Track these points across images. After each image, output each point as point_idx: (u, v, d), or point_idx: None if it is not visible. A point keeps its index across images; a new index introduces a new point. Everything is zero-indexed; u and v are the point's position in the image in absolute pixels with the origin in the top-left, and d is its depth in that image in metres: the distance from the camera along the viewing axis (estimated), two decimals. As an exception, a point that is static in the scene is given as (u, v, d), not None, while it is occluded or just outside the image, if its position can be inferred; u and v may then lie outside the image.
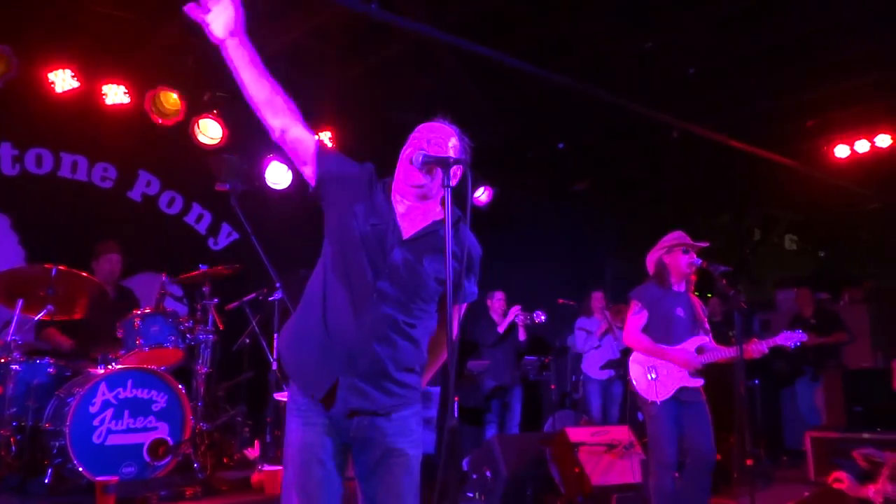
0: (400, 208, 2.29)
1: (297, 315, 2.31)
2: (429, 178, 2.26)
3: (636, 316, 4.26)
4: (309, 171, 2.32)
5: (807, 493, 3.11)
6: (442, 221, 2.23)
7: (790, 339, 4.04)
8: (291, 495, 2.17)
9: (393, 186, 2.32)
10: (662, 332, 4.20)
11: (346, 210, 2.23)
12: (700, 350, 4.20)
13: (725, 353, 4.13)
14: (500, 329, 6.85)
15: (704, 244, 4.18)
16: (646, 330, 4.24)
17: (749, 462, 3.57)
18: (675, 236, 4.28)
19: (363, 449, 2.23)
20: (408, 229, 2.27)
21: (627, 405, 6.92)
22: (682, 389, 4.11)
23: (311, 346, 2.19)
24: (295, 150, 2.33)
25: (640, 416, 6.65)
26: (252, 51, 2.41)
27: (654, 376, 4.14)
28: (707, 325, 4.32)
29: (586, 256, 8.92)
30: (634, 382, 4.25)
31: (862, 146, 7.36)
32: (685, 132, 6.90)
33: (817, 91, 6.60)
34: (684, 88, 6.47)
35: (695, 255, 4.21)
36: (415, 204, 2.30)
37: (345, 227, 2.21)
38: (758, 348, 4.04)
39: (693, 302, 4.33)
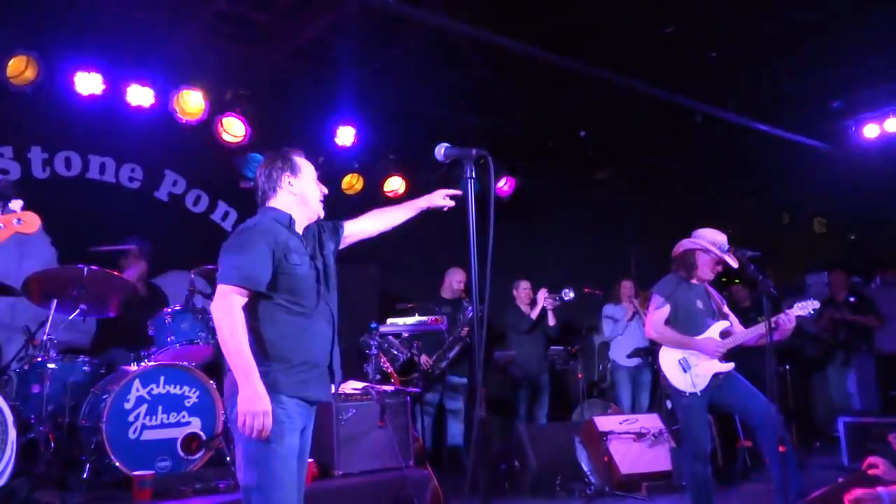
0: (300, 229, 2.74)
1: (275, 352, 2.56)
2: None
3: (659, 310, 4.31)
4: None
5: (841, 479, 3.07)
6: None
7: (804, 308, 4.06)
8: (290, 494, 2.51)
9: (296, 217, 2.73)
10: (685, 323, 4.25)
11: (289, 265, 2.60)
12: (724, 334, 4.23)
13: (751, 332, 4.17)
14: (533, 315, 6.84)
15: (734, 265, 4.20)
16: (669, 323, 4.29)
17: (781, 448, 3.53)
18: (718, 242, 4.28)
19: (306, 428, 2.68)
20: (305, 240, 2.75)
21: (657, 393, 6.89)
22: (715, 376, 4.13)
23: (314, 366, 2.62)
24: None
25: (668, 403, 6.62)
26: None
27: (687, 368, 4.15)
28: (726, 311, 4.38)
29: (610, 244, 8.85)
30: (667, 375, 4.25)
31: (892, 125, 7.21)
32: (709, 116, 6.81)
33: (843, 70, 6.47)
34: (707, 72, 6.39)
35: (720, 268, 4.30)
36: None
37: (295, 275, 2.61)
38: (787, 320, 4.03)
39: (710, 292, 4.40)
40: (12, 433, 3.68)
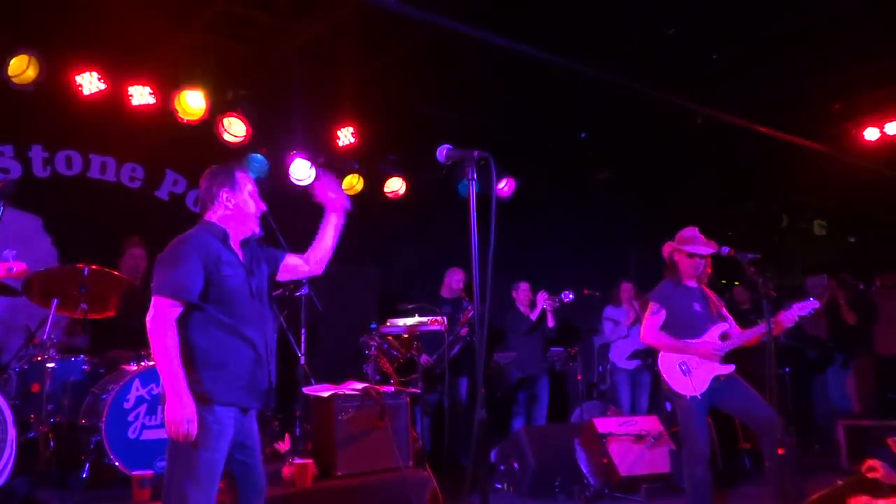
0: (235, 243, 2.87)
1: (206, 361, 2.69)
2: None
3: (655, 315, 4.32)
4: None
5: (839, 482, 3.06)
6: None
7: (804, 308, 4.07)
8: (209, 496, 2.63)
9: (231, 231, 2.85)
10: (684, 327, 4.26)
11: (220, 277, 2.73)
12: (724, 336, 4.24)
13: (750, 334, 4.19)
14: (533, 317, 6.85)
15: (707, 250, 4.25)
16: (667, 328, 4.30)
17: (780, 451, 3.53)
18: (688, 237, 4.35)
19: (248, 435, 2.84)
20: (242, 255, 2.88)
21: (657, 395, 6.89)
22: (716, 378, 4.14)
23: (244, 375, 2.75)
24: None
25: (668, 405, 6.62)
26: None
27: (687, 371, 4.16)
28: (725, 313, 4.38)
29: (610, 246, 8.86)
30: (667, 378, 4.25)
31: (892, 128, 7.21)
32: (709, 118, 6.82)
33: (844, 73, 6.48)
34: (708, 74, 6.39)
35: (700, 260, 4.31)
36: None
37: (227, 287, 2.74)
38: (788, 316, 4.06)
39: (707, 295, 4.40)
40: (12, 432, 3.68)
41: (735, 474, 5.84)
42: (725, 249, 4.17)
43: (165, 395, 2.59)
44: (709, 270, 4.39)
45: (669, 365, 4.24)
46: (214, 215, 2.87)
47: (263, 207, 2.93)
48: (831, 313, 7.84)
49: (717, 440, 5.81)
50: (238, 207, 2.86)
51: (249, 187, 2.90)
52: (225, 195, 2.85)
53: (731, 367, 4.18)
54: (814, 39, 5.86)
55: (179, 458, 2.63)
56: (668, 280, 4.42)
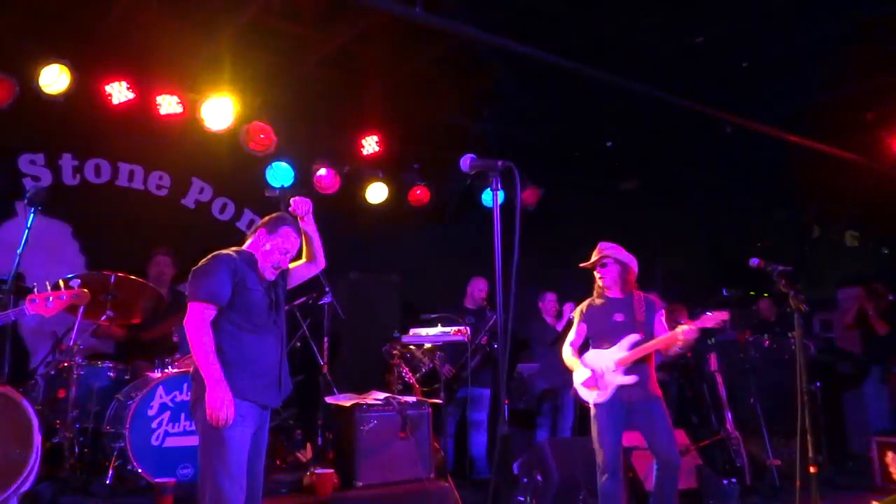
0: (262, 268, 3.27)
1: (232, 361, 3.06)
2: None
3: (574, 330, 4.43)
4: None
5: (874, 502, 2.96)
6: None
7: (713, 319, 3.99)
8: (238, 479, 2.97)
9: (260, 258, 3.25)
10: (602, 338, 4.30)
11: (245, 289, 3.14)
12: (634, 346, 4.19)
13: (654, 344, 4.15)
14: (559, 327, 6.78)
15: (590, 263, 4.38)
16: (588, 339, 4.38)
17: (812, 469, 3.44)
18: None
19: (260, 438, 3.19)
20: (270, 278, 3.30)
21: (683, 407, 6.76)
22: (620, 389, 4.14)
23: (264, 375, 3.15)
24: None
25: (695, 418, 6.50)
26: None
27: (592, 379, 4.23)
28: (644, 322, 4.28)
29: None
30: (577, 389, 4.35)
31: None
32: (739, 127, 6.72)
33: (876, 81, 6.34)
34: (737, 82, 6.30)
35: (600, 271, 4.39)
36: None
37: (250, 298, 3.15)
38: (690, 331, 4.00)
39: (634, 304, 4.34)
40: (37, 437, 3.71)
41: (763, 491, 5.71)
42: (755, 261, 4.08)
43: (206, 386, 2.93)
44: (630, 282, 4.36)
45: (578, 374, 4.33)
46: (249, 244, 3.31)
47: (283, 266, 3.29)
48: (862, 325, 7.64)
49: (746, 456, 5.68)
50: (265, 248, 3.25)
51: (283, 243, 3.25)
52: (261, 235, 3.27)
53: (634, 378, 4.12)
54: (845, 47, 5.75)
55: (211, 452, 2.97)
56: (593, 295, 4.48)
